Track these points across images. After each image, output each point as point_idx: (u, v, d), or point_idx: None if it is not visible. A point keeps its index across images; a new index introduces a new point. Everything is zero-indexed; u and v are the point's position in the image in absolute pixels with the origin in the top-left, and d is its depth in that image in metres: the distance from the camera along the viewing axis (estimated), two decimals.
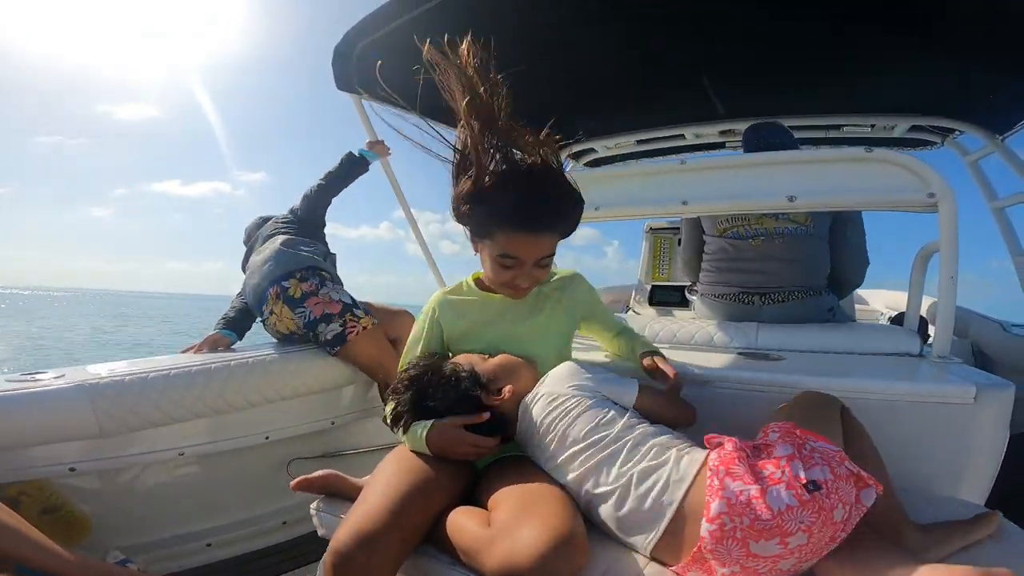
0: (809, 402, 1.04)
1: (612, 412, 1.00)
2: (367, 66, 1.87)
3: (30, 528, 0.87)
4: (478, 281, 1.30)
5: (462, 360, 1.12)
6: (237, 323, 2.07)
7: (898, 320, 1.94)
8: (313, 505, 1.15)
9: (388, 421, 1.13)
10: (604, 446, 0.95)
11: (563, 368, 1.11)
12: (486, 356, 1.16)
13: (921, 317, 1.62)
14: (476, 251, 1.18)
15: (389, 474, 1.00)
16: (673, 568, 0.85)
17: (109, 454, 1.53)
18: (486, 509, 0.97)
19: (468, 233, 1.16)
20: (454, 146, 1.08)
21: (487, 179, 1.04)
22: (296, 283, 1.87)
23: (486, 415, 1.04)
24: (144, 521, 1.62)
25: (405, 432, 1.08)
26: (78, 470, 1.48)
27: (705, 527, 0.79)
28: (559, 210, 1.09)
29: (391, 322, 2.06)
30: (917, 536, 0.89)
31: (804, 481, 0.79)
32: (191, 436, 1.66)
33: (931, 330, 1.49)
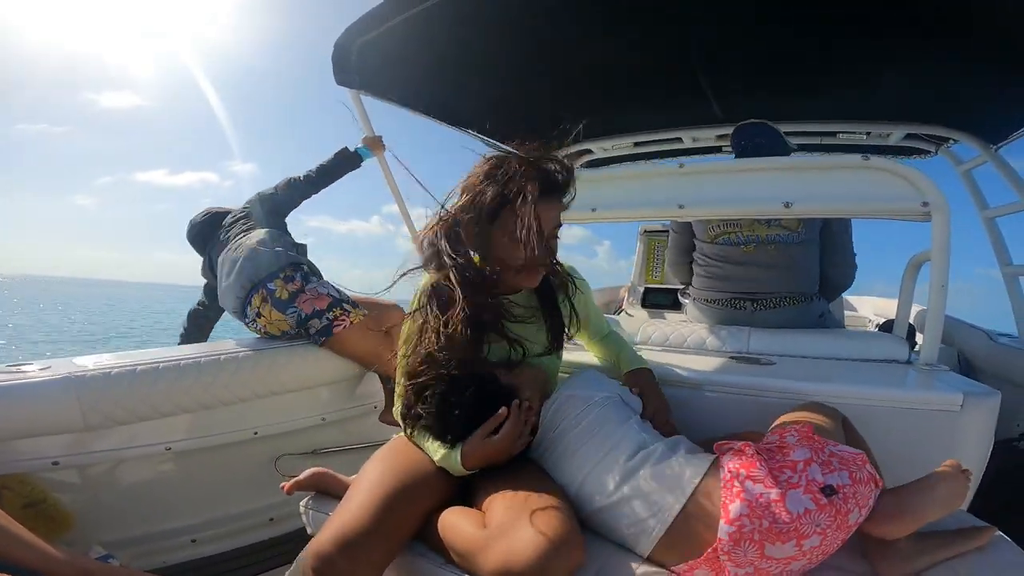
0: (813, 412, 1.04)
1: (629, 419, 1.02)
2: (366, 62, 1.86)
3: (11, 522, 0.85)
4: None
5: (484, 372, 1.06)
6: (192, 337, 2.07)
7: (887, 327, 1.96)
8: (303, 503, 1.14)
9: (402, 418, 1.09)
10: (613, 448, 0.96)
11: (586, 373, 1.13)
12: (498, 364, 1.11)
13: (909, 324, 1.63)
14: (483, 256, 1.12)
15: (375, 474, 0.98)
16: (675, 569, 0.85)
17: (94, 448, 1.51)
18: (478, 508, 0.96)
19: (475, 233, 1.10)
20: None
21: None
22: (281, 284, 1.84)
23: (504, 414, 0.98)
24: (128, 516, 1.60)
25: (417, 435, 1.06)
26: (61, 464, 1.46)
27: (724, 528, 0.80)
28: (562, 171, 1.09)
29: (381, 316, 2.05)
30: (908, 542, 0.88)
31: (821, 485, 0.80)
32: (178, 431, 1.64)
33: (919, 337, 1.50)
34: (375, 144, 2.16)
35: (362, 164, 2.19)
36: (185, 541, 1.68)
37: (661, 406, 1.16)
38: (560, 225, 1.12)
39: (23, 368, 1.48)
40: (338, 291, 1.89)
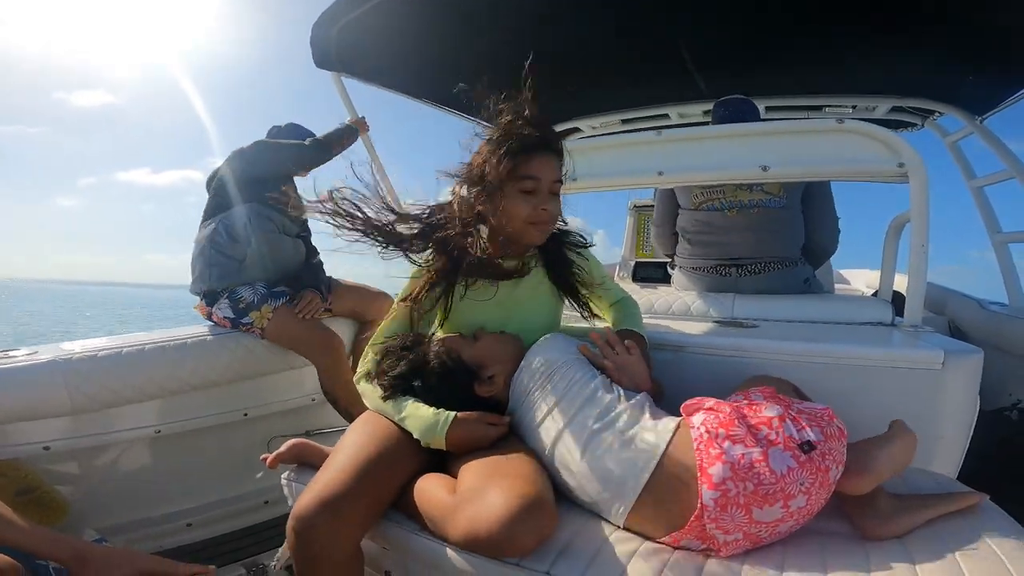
0: (760, 381, 1.04)
1: (594, 379, 1.00)
2: (346, 44, 1.86)
3: (3, 506, 0.85)
4: None
5: (448, 346, 1.11)
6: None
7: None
8: (284, 475, 1.14)
9: (367, 385, 1.10)
10: (578, 411, 0.94)
11: (550, 338, 1.11)
12: (465, 337, 1.15)
13: (899, 293, 1.63)
14: (488, 216, 1.16)
15: (356, 440, 0.99)
16: (661, 540, 0.84)
17: (84, 432, 1.52)
18: (453, 475, 0.96)
19: (483, 200, 1.15)
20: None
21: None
22: (202, 307, 1.87)
23: (507, 420, 1.03)
24: (121, 501, 1.61)
25: (386, 399, 1.06)
26: (53, 449, 1.47)
27: (708, 494, 0.77)
28: (552, 136, 1.16)
29: (370, 304, 2.03)
30: (889, 502, 0.87)
31: (799, 442, 0.78)
32: (167, 413, 1.64)
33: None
34: (360, 125, 2.12)
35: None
36: (180, 525, 1.69)
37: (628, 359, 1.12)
38: (559, 181, 1.15)
39: (10, 353, 1.49)
40: (233, 310, 1.80)
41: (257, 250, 1.85)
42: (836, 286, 2.53)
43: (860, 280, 3.29)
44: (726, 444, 0.79)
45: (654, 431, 0.88)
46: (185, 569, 0.92)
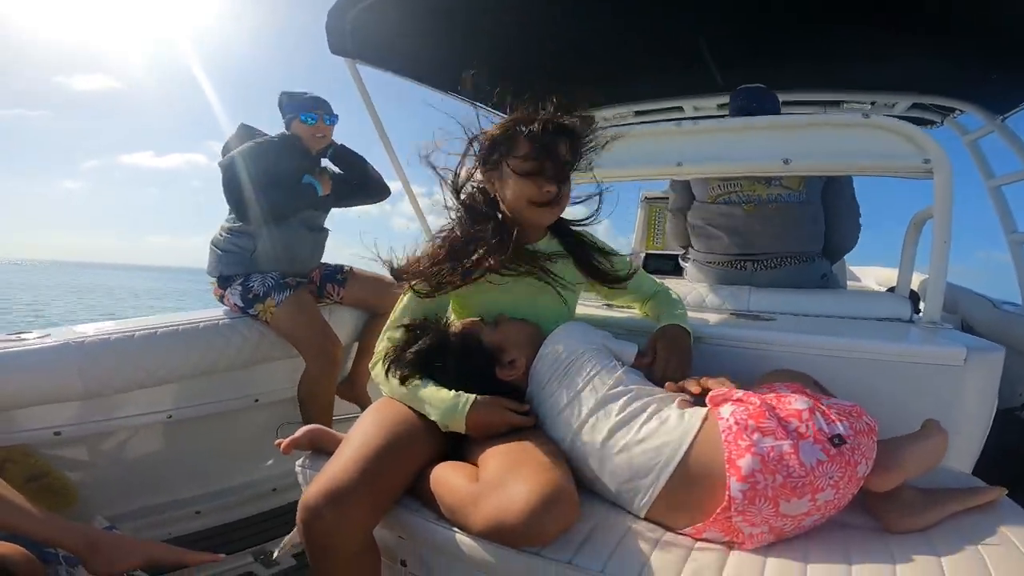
0: (781, 376, 1.03)
1: (617, 369, 0.98)
2: (361, 29, 1.84)
3: (14, 493, 0.85)
4: None
5: (468, 329, 1.10)
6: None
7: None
8: (299, 462, 1.14)
9: (383, 370, 1.09)
10: (601, 401, 0.93)
11: (571, 326, 1.10)
12: (487, 322, 1.14)
13: (913, 291, 1.62)
14: (493, 192, 1.18)
15: (367, 428, 0.97)
16: (683, 531, 0.83)
17: (95, 417, 1.52)
18: (471, 463, 0.95)
19: (484, 174, 1.17)
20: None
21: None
22: (214, 286, 1.87)
23: (528, 408, 1.01)
24: (130, 487, 1.61)
25: (402, 383, 1.04)
26: (63, 434, 1.47)
27: (736, 486, 0.76)
28: (566, 115, 1.15)
29: (384, 294, 2.00)
30: (914, 495, 0.87)
31: (829, 435, 0.78)
32: (179, 398, 1.64)
33: (923, 306, 1.49)
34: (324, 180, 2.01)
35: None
36: (189, 512, 1.69)
37: (673, 362, 1.11)
38: (569, 162, 1.14)
39: (23, 336, 1.48)
40: (243, 297, 1.80)
41: (269, 242, 1.85)
42: (847, 282, 2.51)
43: (870, 277, 3.27)
44: (756, 436, 0.78)
45: (680, 422, 0.86)
46: (194, 557, 0.92)
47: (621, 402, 0.92)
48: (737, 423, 0.81)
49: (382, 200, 2.19)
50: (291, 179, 1.90)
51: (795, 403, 0.82)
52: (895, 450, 0.85)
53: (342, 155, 2.08)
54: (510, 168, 1.12)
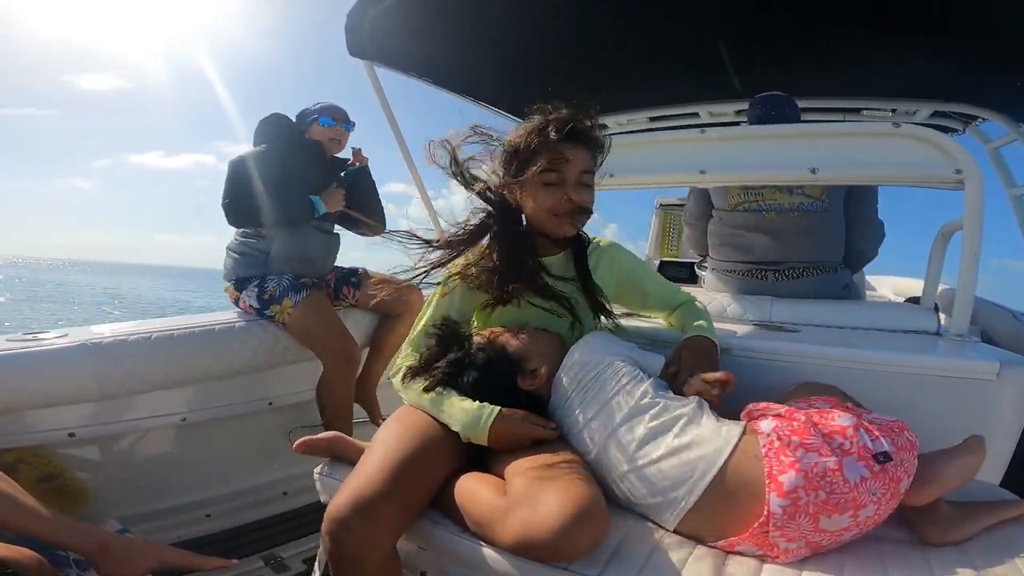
0: (812, 389, 1.01)
1: (644, 381, 0.96)
2: (380, 32, 1.83)
3: (26, 495, 0.85)
4: None
5: (493, 339, 1.08)
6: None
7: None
8: (317, 469, 1.12)
9: (402, 378, 1.08)
10: (629, 413, 0.91)
11: (594, 337, 1.08)
12: (510, 331, 1.11)
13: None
14: (517, 202, 1.17)
15: (391, 437, 0.96)
16: (714, 544, 0.82)
17: (109, 419, 1.51)
18: (496, 475, 0.93)
19: (507, 184, 1.17)
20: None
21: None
22: (230, 289, 1.87)
23: (554, 426, 0.98)
24: (142, 489, 1.60)
25: (427, 391, 1.03)
26: (77, 436, 1.46)
27: (777, 502, 0.75)
28: (585, 124, 1.15)
29: (398, 297, 1.99)
30: (950, 508, 0.86)
31: (874, 452, 0.77)
32: (193, 401, 1.63)
33: (942, 317, 1.46)
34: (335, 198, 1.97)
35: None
36: (200, 516, 1.69)
37: (699, 373, 1.07)
38: (590, 172, 1.14)
39: (40, 336, 1.48)
40: (258, 299, 1.78)
41: (282, 244, 1.84)
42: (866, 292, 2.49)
43: (886, 286, 3.23)
44: (799, 452, 0.77)
45: (716, 436, 0.85)
46: (205, 561, 0.92)
47: (650, 414, 0.90)
48: (780, 438, 0.80)
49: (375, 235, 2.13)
50: (303, 180, 1.90)
51: (839, 419, 0.81)
52: (933, 465, 0.84)
53: (359, 179, 2.09)
54: (531, 178, 1.11)
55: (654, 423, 0.89)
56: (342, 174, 2.08)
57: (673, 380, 1.05)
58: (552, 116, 1.12)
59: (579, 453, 0.94)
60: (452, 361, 1.03)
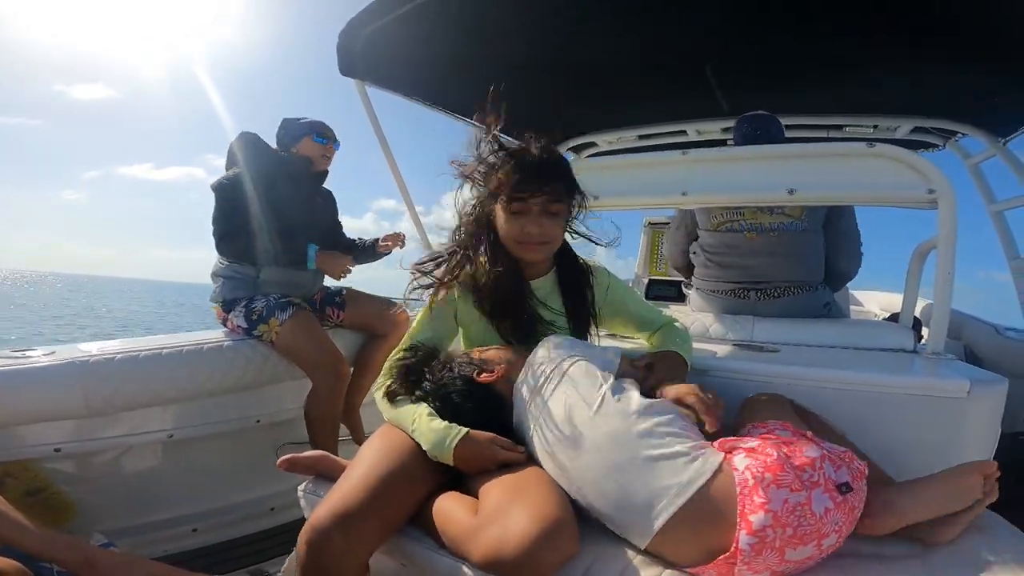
0: (770, 402, 1.05)
1: (600, 384, 0.95)
2: (371, 52, 1.86)
3: (11, 508, 0.85)
4: None
5: (463, 355, 1.13)
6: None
7: (893, 321, 1.95)
8: (301, 487, 1.14)
9: (383, 395, 1.12)
10: (593, 424, 0.90)
11: (550, 340, 1.09)
12: (480, 349, 1.16)
13: (916, 318, 1.62)
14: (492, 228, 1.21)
15: (373, 454, 0.98)
16: (686, 567, 0.82)
17: (96, 435, 1.52)
18: (473, 494, 0.95)
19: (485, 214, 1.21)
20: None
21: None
22: (217, 310, 1.88)
23: (522, 449, 0.99)
24: (128, 504, 1.60)
25: (398, 407, 1.07)
26: (64, 451, 1.47)
27: (745, 539, 0.76)
28: (551, 159, 1.19)
29: (383, 316, 1.99)
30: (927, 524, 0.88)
31: (837, 483, 0.79)
32: (180, 418, 1.64)
33: (925, 332, 1.49)
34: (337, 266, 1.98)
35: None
36: (186, 531, 1.69)
37: (664, 370, 1.12)
38: (558, 201, 1.16)
39: (28, 353, 1.49)
40: (246, 319, 1.79)
41: (273, 267, 1.87)
42: (851, 308, 2.51)
43: (873, 302, 3.27)
44: (771, 489, 0.77)
45: (691, 465, 0.83)
46: None
47: (617, 427, 0.88)
48: (754, 477, 0.79)
49: None
50: (300, 206, 1.94)
51: (807, 451, 0.82)
52: (889, 495, 0.87)
53: (372, 256, 2.21)
54: (500, 204, 1.16)
55: (625, 438, 0.87)
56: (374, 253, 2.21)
57: (643, 381, 1.06)
58: (521, 148, 1.16)
59: (546, 468, 0.95)
60: (424, 378, 1.08)
